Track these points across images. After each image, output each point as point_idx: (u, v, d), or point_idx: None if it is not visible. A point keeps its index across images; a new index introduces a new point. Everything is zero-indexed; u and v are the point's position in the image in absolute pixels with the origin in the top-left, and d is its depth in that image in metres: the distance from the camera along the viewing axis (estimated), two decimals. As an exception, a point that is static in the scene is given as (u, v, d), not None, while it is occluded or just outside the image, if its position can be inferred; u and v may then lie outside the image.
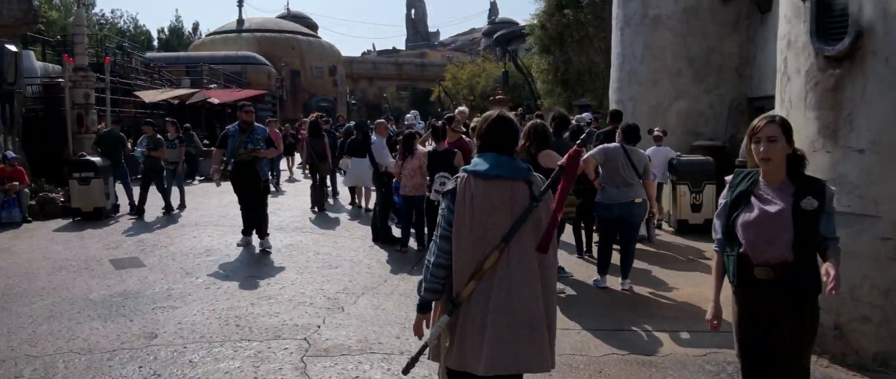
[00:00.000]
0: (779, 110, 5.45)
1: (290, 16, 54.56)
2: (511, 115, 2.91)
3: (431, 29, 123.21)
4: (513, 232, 2.59)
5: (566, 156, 2.96)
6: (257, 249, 7.85)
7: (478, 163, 2.69)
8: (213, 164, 8.34)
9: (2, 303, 5.74)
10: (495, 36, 62.15)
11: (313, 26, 54.71)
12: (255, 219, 7.95)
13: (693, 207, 9.32)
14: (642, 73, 11.60)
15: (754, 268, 2.79)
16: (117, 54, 24.90)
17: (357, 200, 11.92)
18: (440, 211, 2.72)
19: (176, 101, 24.00)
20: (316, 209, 11.24)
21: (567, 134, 7.11)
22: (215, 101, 25.53)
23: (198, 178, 17.41)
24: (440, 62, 67.50)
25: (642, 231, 7.64)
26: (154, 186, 10.89)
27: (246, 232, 8.12)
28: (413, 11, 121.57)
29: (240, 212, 8.17)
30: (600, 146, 6.49)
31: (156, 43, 51.17)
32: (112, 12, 52.03)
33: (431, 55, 77.69)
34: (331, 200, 12.45)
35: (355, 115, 56.74)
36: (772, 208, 2.75)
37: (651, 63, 11.50)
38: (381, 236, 8.28)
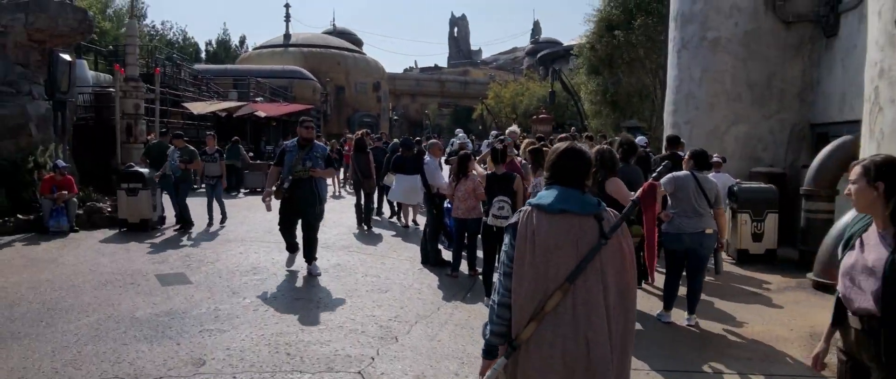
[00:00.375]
0: (866, 142, 5.11)
1: (336, 32, 55.30)
2: (582, 145, 2.75)
3: (473, 48, 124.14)
4: (579, 271, 2.39)
5: (641, 190, 2.68)
6: (304, 273, 7.60)
7: (543, 196, 2.53)
8: (267, 184, 7.92)
9: (48, 318, 5.66)
10: (539, 55, 62.13)
11: (358, 42, 55.30)
12: (303, 239, 7.57)
13: (754, 237, 8.89)
14: (700, 96, 11.23)
15: (849, 314, 2.59)
16: (167, 65, 25.34)
17: (401, 217, 11.83)
18: (503, 246, 2.57)
19: (223, 114, 24.33)
20: (364, 227, 11.14)
21: (634, 160, 6.84)
22: (262, 114, 25.82)
23: (243, 190, 17.48)
24: (483, 80, 67.52)
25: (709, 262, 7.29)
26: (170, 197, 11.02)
27: (291, 248, 7.76)
28: (456, 30, 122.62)
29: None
30: (669, 174, 6.03)
31: (203, 55, 52.20)
32: (162, 24, 53.05)
33: (474, 73, 77.79)
34: (378, 217, 12.31)
35: (397, 132, 57.05)
36: (869, 256, 2.51)
37: (709, 86, 11.13)
38: (430, 259, 8.05)
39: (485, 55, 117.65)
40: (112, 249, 9.03)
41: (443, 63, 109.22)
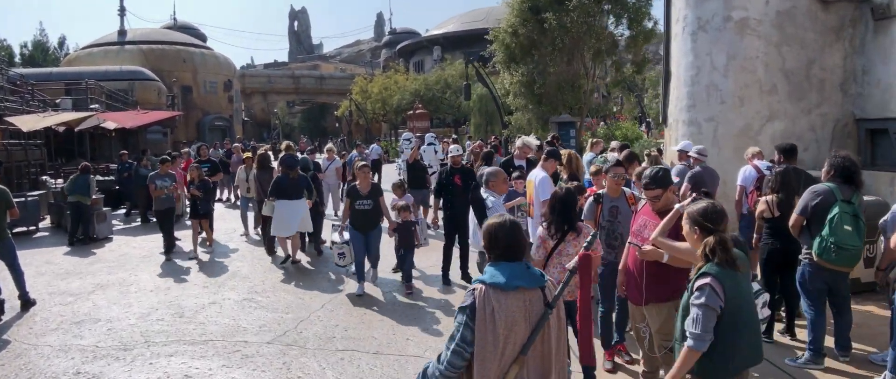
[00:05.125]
0: None
1: (177, 26, 49.39)
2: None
3: (315, 42, 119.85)
4: (530, 342, 2.58)
5: (576, 259, 3.22)
6: None
7: (495, 274, 2.63)
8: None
9: None
10: (398, 47, 59.67)
11: (202, 37, 49.77)
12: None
13: (865, 262, 7.20)
14: (727, 88, 9.45)
15: None
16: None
17: (278, 248, 9.86)
18: (457, 326, 2.64)
19: (61, 128, 19.57)
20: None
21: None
22: (112, 126, 21.18)
23: (93, 248, 13.49)
24: (339, 75, 64.21)
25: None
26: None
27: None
28: (296, 24, 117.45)
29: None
30: (808, 191, 5.17)
31: (18, 59, 44.29)
32: (-41, 26, 44.49)
33: (325, 68, 74.02)
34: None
35: (249, 135, 52.13)
36: None
37: (738, 76, 9.37)
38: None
39: (327, 49, 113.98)
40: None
41: (282, 58, 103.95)
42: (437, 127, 37.87)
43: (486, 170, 5.73)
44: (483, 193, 5.63)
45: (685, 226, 3.40)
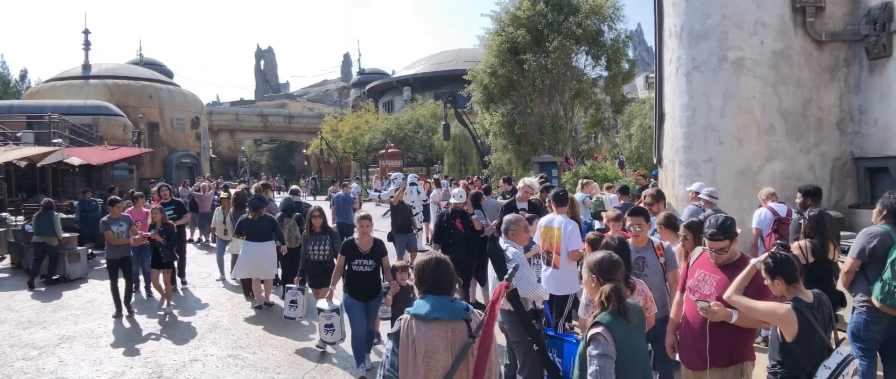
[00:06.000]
0: None
1: (144, 62, 48.40)
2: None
3: (281, 81, 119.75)
4: (454, 370, 2.75)
5: (495, 292, 3.10)
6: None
7: (419, 306, 2.85)
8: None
9: None
10: (368, 87, 59.45)
11: (169, 73, 48.90)
12: None
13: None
14: (724, 128, 9.30)
15: None
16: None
17: (254, 295, 9.31)
18: (386, 353, 2.87)
19: (22, 163, 18.71)
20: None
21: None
22: (76, 161, 20.37)
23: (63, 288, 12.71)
24: (308, 114, 63.59)
25: None
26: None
27: None
28: (263, 62, 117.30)
29: None
30: (863, 234, 4.78)
31: (-25, 91, 42.95)
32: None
33: (292, 106, 73.44)
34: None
35: (218, 172, 51.07)
36: None
37: (735, 117, 9.25)
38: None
39: (293, 88, 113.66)
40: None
41: (248, 96, 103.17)
42: (408, 166, 37.53)
43: (505, 217, 5.22)
44: (502, 242, 5.07)
45: (584, 273, 3.37)
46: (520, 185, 8.21)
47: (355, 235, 6.22)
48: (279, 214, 9.54)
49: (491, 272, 5.03)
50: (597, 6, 16.97)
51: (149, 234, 9.27)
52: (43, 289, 10.92)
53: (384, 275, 6.29)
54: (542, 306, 5.02)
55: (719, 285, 3.72)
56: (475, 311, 2.91)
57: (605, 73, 18.70)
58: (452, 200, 8.10)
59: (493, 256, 4.85)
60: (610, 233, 6.60)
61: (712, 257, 3.81)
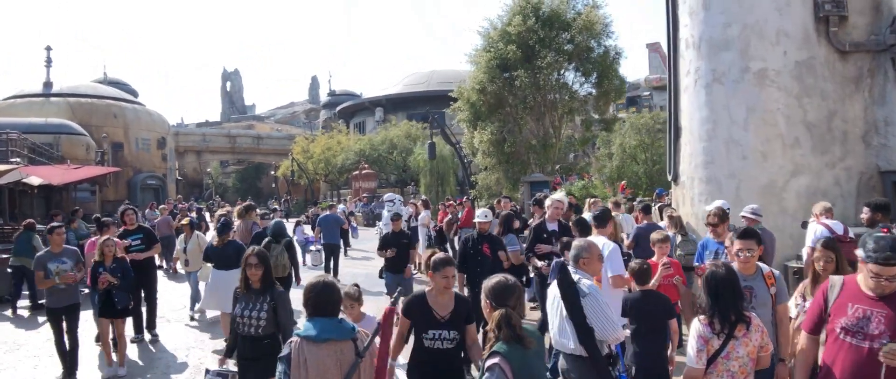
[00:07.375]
0: None
1: (108, 81, 46.92)
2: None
3: (248, 102, 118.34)
4: None
5: (382, 314, 3.06)
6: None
7: (308, 327, 2.97)
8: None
9: None
10: (339, 108, 58.65)
11: (134, 93, 47.47)
12: None
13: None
14: (748, 143, 8.88)
15: None
16: None
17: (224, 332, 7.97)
18: (277, 373, 2.94)
19: (-21, 183, 17.53)
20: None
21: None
22: (36, 181, 19.19)
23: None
24: (277, 135, 62.55)
25: None
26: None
27: None
28: (229, 84, 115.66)
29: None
30: None
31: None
32: None
33: (260, 127, 72.31)
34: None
35: (182, 193, 49.53)
36: None
37: (759, 130, 8.84)
38: None
39: (260, 110, 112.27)
40: None
41: (214, 118, 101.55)
42: (381, 187, 36.83)
43: (575, 243, 4.43)
44: (573, 273, 4.11)
45: (482, 298, 3.29)
46: (548, 202, 7.46)
47: (426, 288, 4.25)
48: (267, 240, 8.68)
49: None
50: (589, 22, 16.67)
51: (99, 276, 7.01)
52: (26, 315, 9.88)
53: (468, 353, 4.18)
54: (616, 350, 4.31)
55: (891, 322, 3.03)
56: (361, 330, 3.05)
57: (594, 91, 18.37)
58: (477, 221, 7.33)
59: (564, 292, 4.02)
60: (655, 258, 6.04)
61: (875, 288, 3.09)
